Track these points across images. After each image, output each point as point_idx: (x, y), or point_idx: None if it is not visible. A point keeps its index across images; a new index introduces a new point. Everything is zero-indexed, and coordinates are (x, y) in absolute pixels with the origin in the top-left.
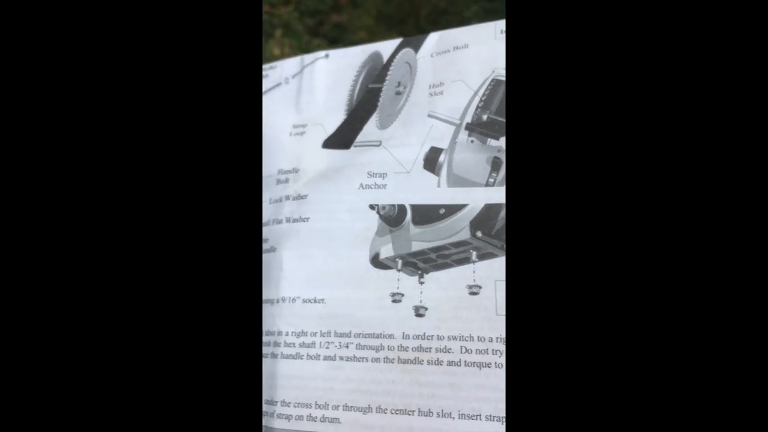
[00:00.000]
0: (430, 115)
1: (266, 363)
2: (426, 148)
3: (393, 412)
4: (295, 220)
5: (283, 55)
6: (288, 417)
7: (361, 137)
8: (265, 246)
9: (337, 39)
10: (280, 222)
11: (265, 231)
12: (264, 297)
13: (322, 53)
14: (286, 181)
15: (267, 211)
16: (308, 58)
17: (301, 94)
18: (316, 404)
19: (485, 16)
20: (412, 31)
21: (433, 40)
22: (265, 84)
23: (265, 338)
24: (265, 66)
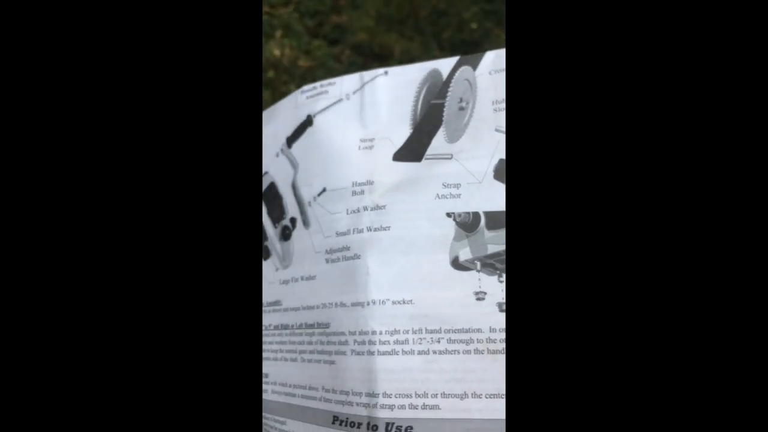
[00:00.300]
0: (497, 130)
1: (361, 360)
2: (495, 160)
3: (487, 396)
4: (376, 229)
5: (283, 56)
6: (391, 407)
7: (431, 150)
8: (347, 254)
9: (337, 40)
10: (361, 231)
11: (346, 240)
12: (352, 300)
13: (381, 71)
14: (362, 192)
15: (345, 221)
16: (367, 75)
17: (364, 109)
18: (416, 394)
19: (484, 17)
20: (412, 32)
21: (490, 58)
22: (326, 100)
23: (357, 337)
24: (323, 82)
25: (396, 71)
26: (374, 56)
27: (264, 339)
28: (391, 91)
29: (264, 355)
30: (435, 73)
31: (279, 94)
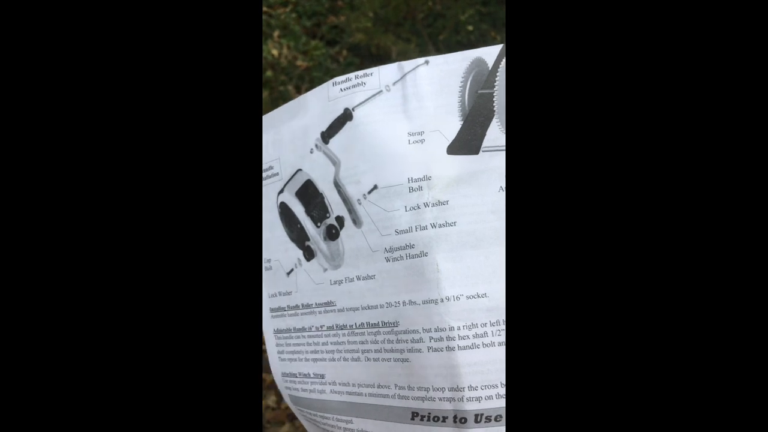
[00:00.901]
0: None
1: (441, 356)
2: None
3: None
4: (441, 225)
5: (281, 56)
6: (478, 399)
7: (487, 142)
8: (411, 251)
9: (335, 40)
10: (424, 228)
11: (408, 238)
12: (423, 298)
13: (421, 60)
14: (420, 188)
15: (405, 219)
16: (407, 65)
17: (407, 101)
18: (502, 384)
19: (480, 20)
20: (409, 33)
21: None
22: (363, 92)
23: (433, 334)
24: (357, 73)
25: (437, 60)
26: (371, 57)
27: (317, 340)
28: (435, 81)
29: (319, 356)
30: (480, 62)
31: (276, 94)
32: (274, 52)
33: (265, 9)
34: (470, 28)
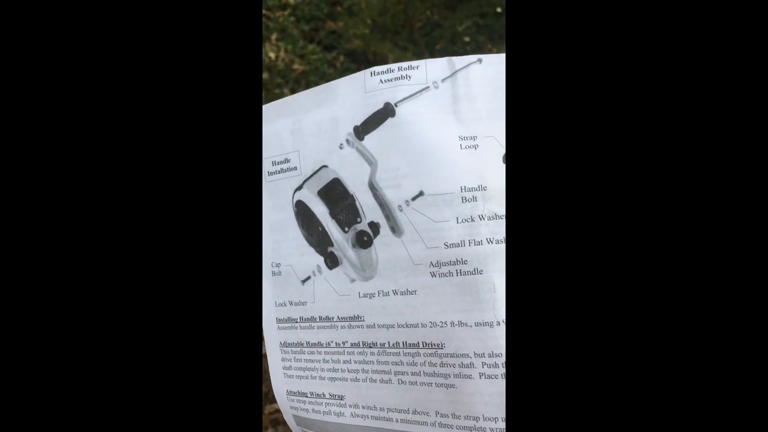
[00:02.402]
0: None
1: (495, 384)
2: None
3: None
4: (498, 241)
5: (278, 59)
6: None
7: None
8: (464, 268)
9: (332, 46)
10: (479, 243)
11: (460, 252)
12: (476, 320)
13: (474, 57)
14: (474, 199)
15: (456, 231)
16: (459, 61)
17: (458, 101)
18: None
19: (477, 31)
20: (406, 42)
21: None
22: (408, 87)
23: (487, 360)
24: (401, 65)
25: (492, 60)
26: (368, 63)
27: (337, 357)
28: (488, 82)
29: (338, 375)
30: None
31: (271, 96)
32: (271, 54)
33: (263, 11)
34: (467, 39)
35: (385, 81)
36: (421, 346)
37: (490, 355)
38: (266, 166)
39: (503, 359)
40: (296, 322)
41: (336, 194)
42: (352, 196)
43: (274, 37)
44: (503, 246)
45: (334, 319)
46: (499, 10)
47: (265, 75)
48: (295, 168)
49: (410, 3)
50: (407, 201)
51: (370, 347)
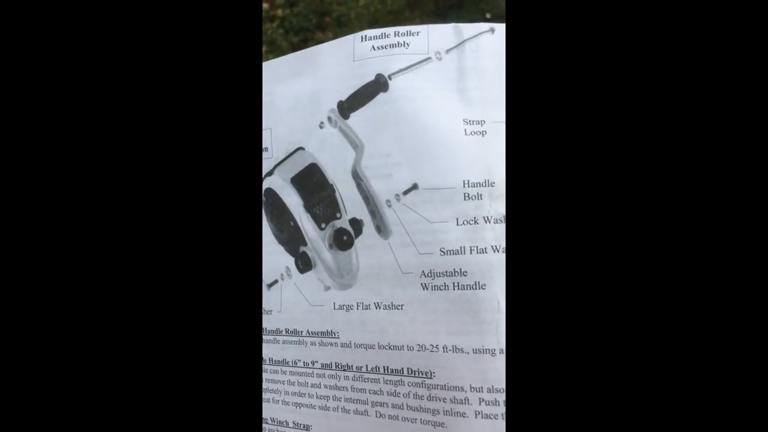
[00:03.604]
0: None
1: (494, 425)
2: None
3: None
4: (506, 250)
5: None
6: None
7: None
8: (463, 280)
9: None
10: (483, 251)
11: (459, 261)
12: (474, 345)
13: (485, 26)
14: (479, 197)
15: (455, 235)
16: (468, 29)
17: (465, 77)
18: None
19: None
20: None
21: None
22: (406, 57)
23: (485, 395)
24: (399, 29)
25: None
26: None
27: (304, 380)
28: (500, 56)
29: (305, 400)
30: None
31: None
32: None
33: None
34: None
35: (378, 48)
36: (405, 373)
37: (490, 390)
38: None
39: (505, 396)
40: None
41: (313, 183)
42: (331, 186)
43: (263, 49)
44: None
45: (303, 334)
46: (488, 16)
47: None
48: (266, 149)
49: (400, 12)
50: (398, 195)
51: (345, 370)
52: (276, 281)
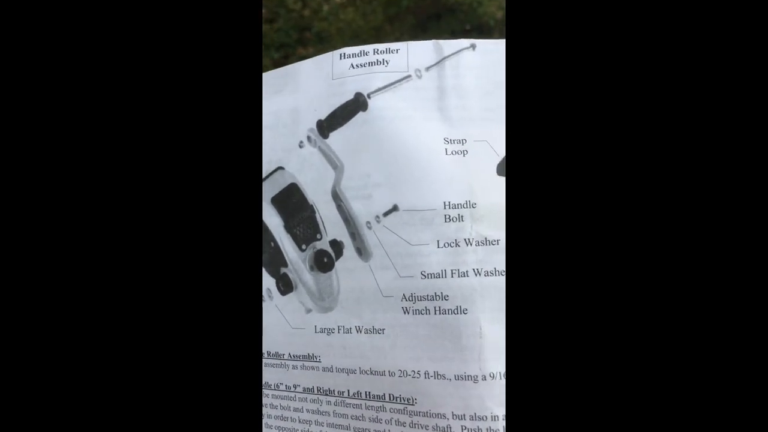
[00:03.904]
0: None
1: None
2: None
3: None
4: (488, 273)
5: None
6: None
7: None
8: (444, 305)
9: None
10: (464, 275)
11: (440, 285)
12: (456, 372)
13: (466, 42)
14: (460, 218)
15: (436, 258)
16: (448, 46)
17: (445, 96)
18: None
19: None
20: None
21: None
22: (385, 75)
23: (467, 423)
24: (378, 47)
25: (488, 47)
26: None
27: (285, 403)
28: (483, 75)
29: (286, 425)
30: None
31: None
32: None
33: None
34: None
35: (357, 66)
36: (387, 399)
37: (472, 418)
38: None
39: (488, 424)
40: None
41: (293, 203)
42: (311, 206)
43: None
44: (494, 279)
45: (285, 357)
46: (467, 27)
47: None
48: None
49: (381, 28)
50: (378, 217)
51: (326, 395)
52: None
